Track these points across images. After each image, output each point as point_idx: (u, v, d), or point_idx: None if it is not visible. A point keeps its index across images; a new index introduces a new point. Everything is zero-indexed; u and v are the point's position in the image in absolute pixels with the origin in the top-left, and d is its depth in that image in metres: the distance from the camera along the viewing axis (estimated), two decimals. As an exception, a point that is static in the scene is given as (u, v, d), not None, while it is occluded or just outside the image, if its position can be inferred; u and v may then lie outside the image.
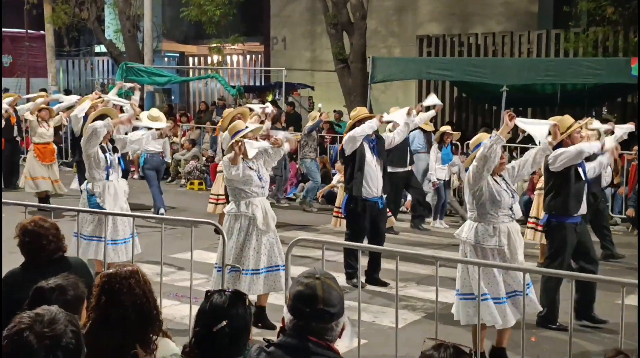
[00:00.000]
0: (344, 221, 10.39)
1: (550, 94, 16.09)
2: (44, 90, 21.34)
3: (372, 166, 8.54)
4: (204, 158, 16.85)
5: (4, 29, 28.32)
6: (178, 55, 30.66)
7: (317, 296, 2.78)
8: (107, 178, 7.99)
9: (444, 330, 6.20)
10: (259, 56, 28.53)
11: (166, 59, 30.04)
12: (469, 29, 20.68)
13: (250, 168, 6.97)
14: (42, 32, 25.48)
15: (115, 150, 8.20)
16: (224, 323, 3.01)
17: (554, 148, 6.74)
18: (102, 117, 8.14)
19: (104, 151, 8.01)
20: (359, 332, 5.26)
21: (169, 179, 17.19)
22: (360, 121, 8.60)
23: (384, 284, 8.66)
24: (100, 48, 28.88)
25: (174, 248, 9.35)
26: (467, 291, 5.94)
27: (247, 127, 7.30)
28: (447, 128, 12.81)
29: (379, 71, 15.41)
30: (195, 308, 3.24)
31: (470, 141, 6.52)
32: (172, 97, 28.46)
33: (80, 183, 9.28)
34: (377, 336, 6.80)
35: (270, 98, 23.14)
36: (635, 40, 15.94)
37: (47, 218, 4.64)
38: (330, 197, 14.12)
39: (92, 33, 26.57)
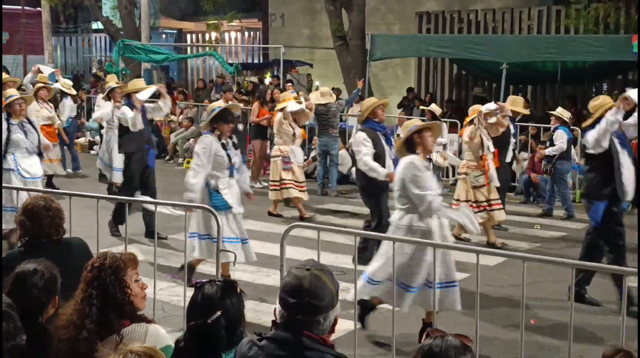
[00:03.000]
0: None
1: (551, 71, 15.99)
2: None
3: (626, 164, 7.12)
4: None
5: (-1, 6, 28.13)
6: (176, 32, 30.45)
7: (303, 288, 2.71)
8: (231, 176, 7.45)
9: (442, 315, 6.16)
10: (257, 33, 28.32)
11: (164, 36, 29.86)
12: (469, 5, 20.50)
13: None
14: (38, 9, 25.28)
15: (236, 146, 7.59)
16: (219, 313, 2.95)
17: None
18: (224, 112, 7.47)
19: (224, 148, 7.38)
20: (355, 315, 5.21)
21: (167, 158, 17.10)
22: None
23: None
24: (97, 25, 28.66)
25: (171, 229, 9.28)
26: None
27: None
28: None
29: (378, 48, 15.26)
30: (190, 291, 3.19)
31: None
32: (175, 74, 28.29)
33: None
34: (374, 318, 6.75)
35: (268, 76, 23.02)
36: (637, 17, 15.78)
37: (52, 199, 4.60)
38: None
39: (89, 10, 26.35)
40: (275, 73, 21.30)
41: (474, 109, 9.85)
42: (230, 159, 7.36)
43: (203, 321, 2.93)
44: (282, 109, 11.32)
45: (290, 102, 11.49)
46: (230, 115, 7.53)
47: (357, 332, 5.17)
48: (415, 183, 5.88)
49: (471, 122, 9.68)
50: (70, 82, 13.76)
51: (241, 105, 11.99)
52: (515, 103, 10.77)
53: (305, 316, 2.71)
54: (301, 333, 2.70)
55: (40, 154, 8.87)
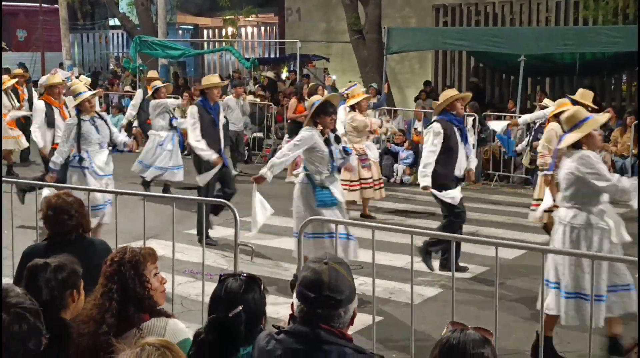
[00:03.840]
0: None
1: (569, 63, 15.87)
2: (60, 65, 21.23)
3: None
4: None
5: (18, 4, 28.37)
6: (192, 28, 30.53)
7: (323, 281, 2.69)
8: (332, 173, 7.13)
9: (461, 308, 6.14)
10: (274, 27, 28.31)
11: (180, 31, 29.95)
12: (486, -3, 20.39)
13: None
14: (55, 6, 25.44)
15: (337, 140, 7.22)
16: (240, 308, 2.93)
17: None
18: (325, 104, 7.13)
19: (327, 144, 7.03)
20: (374, 309, 5.20)
21: (186, 152, 17.13)
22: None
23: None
24: (114, 21, 28.81)
25: (188, 224, 9.32)
26: None
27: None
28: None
29: (395, 42, 15.22)
30: (208, 286, 3.18)
31: None
32: (192, 69, 28.38)
33: None
34: (393, 313, 6.74)
35: (285, 71, 23.02)
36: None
37: (72, 194, 4.66)
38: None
39: (106, 6, 26.47)
40: (292, 68, 21.30)
41: (561, 103, 8.78)
42: (332, 154, 7.04)
43: (224, 315, 2.93)
44: (354, 106, 10.52)
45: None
46: (331, 106, 7.17)
47: (375, 326, 5.16)
48: (598, 176, 5.38)
49: (555, 117, 8.41)
50: (89, 80, 13.90)
51: (258, 100, 11.98)
52: (585, 97, 10.21)
53: (326, 310, 2.70)
54: (319, 326, 2.69)
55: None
